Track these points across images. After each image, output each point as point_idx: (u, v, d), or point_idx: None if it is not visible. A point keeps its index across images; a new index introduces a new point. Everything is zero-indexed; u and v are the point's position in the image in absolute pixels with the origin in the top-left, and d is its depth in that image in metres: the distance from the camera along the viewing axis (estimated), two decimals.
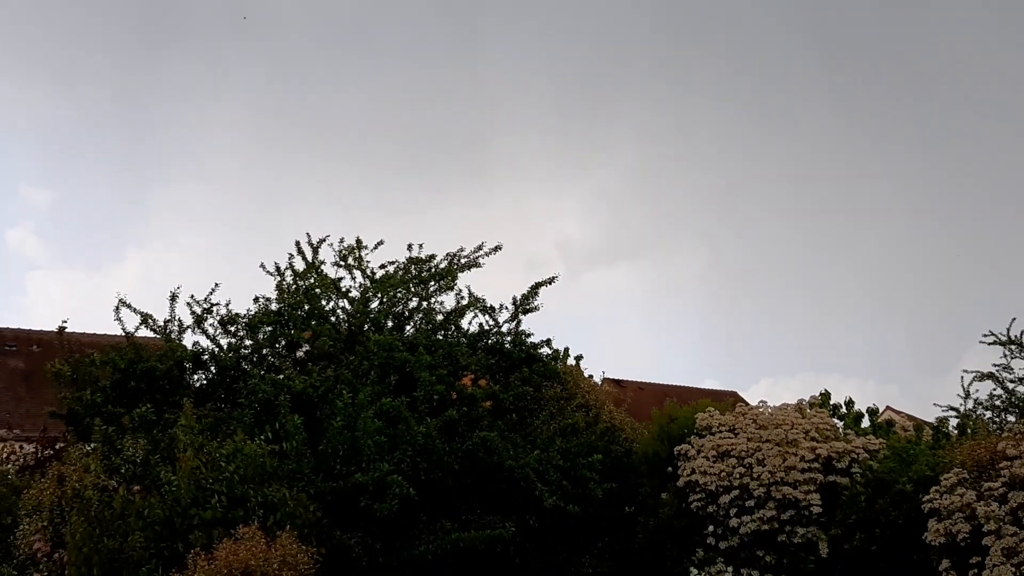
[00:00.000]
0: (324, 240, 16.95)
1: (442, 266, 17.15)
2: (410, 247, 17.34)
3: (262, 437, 13.17)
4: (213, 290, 15.87)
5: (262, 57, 48.80)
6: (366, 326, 16.37)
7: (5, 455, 14.97)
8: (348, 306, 16.85)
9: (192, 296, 15.80)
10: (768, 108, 52.27)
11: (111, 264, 53.89)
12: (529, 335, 17.12)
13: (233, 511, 11.81)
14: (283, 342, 16.38)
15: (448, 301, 17.04)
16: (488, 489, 15.10)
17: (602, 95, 50.87)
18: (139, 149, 50.90)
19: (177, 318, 15.84)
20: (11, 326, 25.71)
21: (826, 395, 17.94)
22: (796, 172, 54.63)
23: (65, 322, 15.89)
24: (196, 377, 15.96)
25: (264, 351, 16.09)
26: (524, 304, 17.08)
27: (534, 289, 17.02)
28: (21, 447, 15.39)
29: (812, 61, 51.20)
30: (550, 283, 17.06)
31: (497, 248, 17.09)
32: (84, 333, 22.15)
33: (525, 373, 16.58)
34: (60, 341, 15.68)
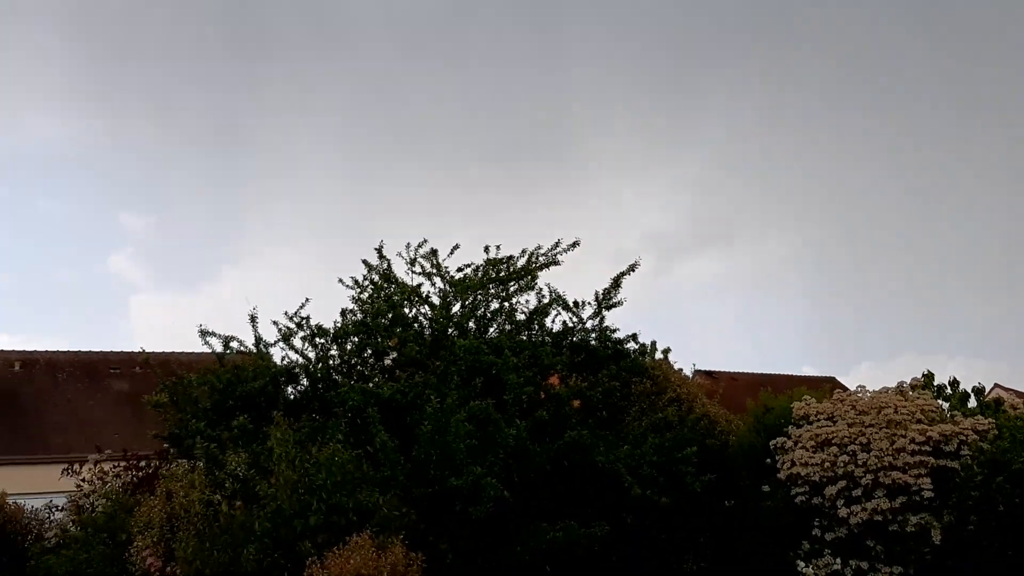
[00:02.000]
0: (415, 246, 17.05)
1: (519, 265, 17.11)
2: (487, 249, 17.37)
3: (352, 444, 13.36)
4: (303, 304, 16.20)
5: (346, 70, 49.59)
6: (450, 330, 16.47)
7: (115, 474, 15.54)
8: (430, 312, 16.97)
9: (285, 312, 16.13)
10: (856, 91, 50.68)
11: (207, 284, 55.66)
12: (614, 331, 16.93)
13: (332, 518, 12.00)
14: (370, 351, 16.60)
15: (530, 300, 17.02)
16: (580, 488, 14.99)
17: (686, 82, 50.04)
18: (231, 170, 52.37)
19: (262, 339, 16.18)
20: (116, 349, 26.82)
21: (929, 376, 17.16)
22: (888, 149, 52.78)
23: (144, 354, 16.38)
24: (289, 390, 16.28)
25: (353, 361, 16.33)
26: (607, 299, 16.90)
27: (615, 281, 16.81)
28: (132, 464, 15.93)
29: (911, 47, 49.28)
30: (631, 271, 16.80)
31: (575, 244, 16.96)
32: (184, 352, 22.98)
33: (612, 370, 16.40)
34: (149, 368, 16.20)
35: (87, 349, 26.85)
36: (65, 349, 26.80)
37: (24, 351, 26.41)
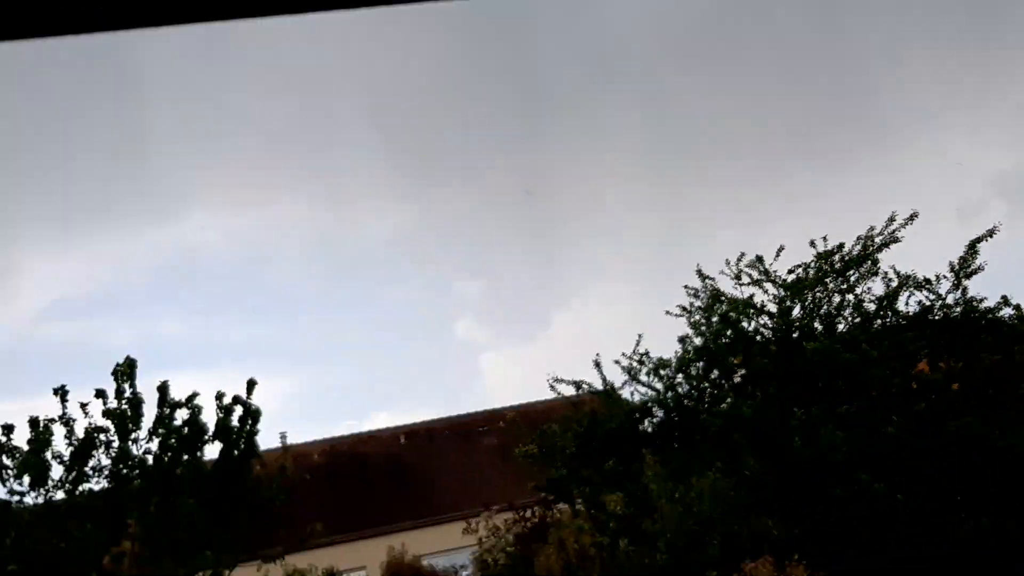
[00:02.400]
0: (735, 260, 16.74)
1: (855, 252, 16.07)
2: (813, 243, 16.52)
3: (724, 470, 13.26)
4: (638, 342, 16.48)
5: (628, 97, 50.45)
6: (795, 335, 15.85)
7: (507, 528, 16.65)
8: (769, 321, 16.46)
9: (623, 353, 16.52)
10: None
11: (541, 331, 58.62)
12: (981, 300, 15.26)
13: (726, 546, 11.96)
14: (717, 373, 16.45)
15: (875, 287, 15.89)
16: (978, 480, 13.57)
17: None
18: (542, 220, 55.06)
19: (609, 381, 16.65)
20: (478, 408, 29.11)
21: None
22: None
23: (509, 410, 17.32)
24: (645, 424, 16.57)
25: (703, 386, 16.27)
26: (964, 267, 15.32)
27: (971, 247, 15.20)
28: (519, 516, 16.98)
29: None
30: (989, 237, 15.11)
31: (912, 217, 15.60)
32: (539, 401, 24.30)
33: (987, 340, 14.78)
34: (514, 423, 17.21)
35: (456, 413, 29.40)
36: (437, 416, 29.55)
37: (405, 424, 29.51)
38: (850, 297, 16.00)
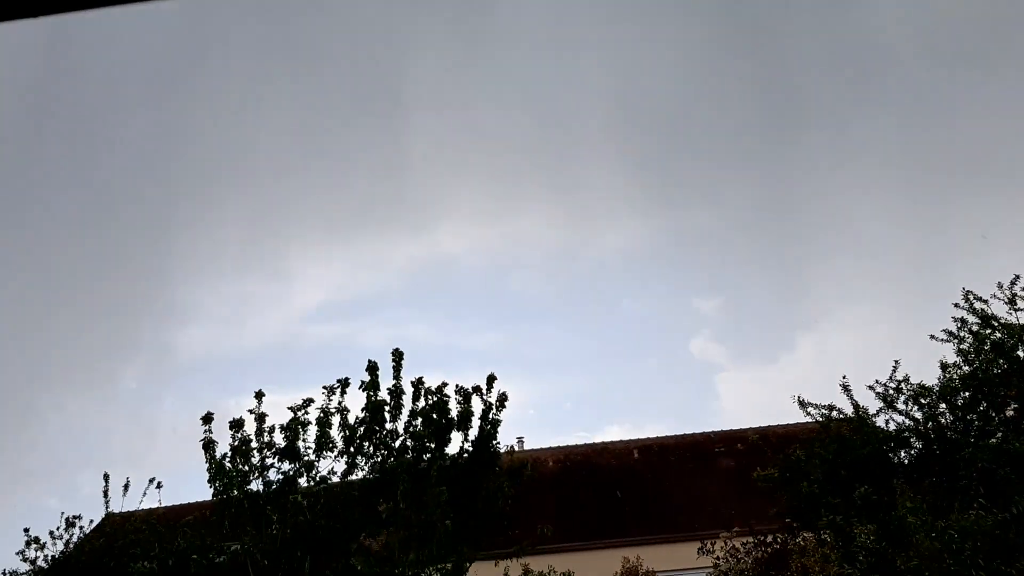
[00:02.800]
0: (1008, 284, 15.30)
1: None
2: None
3: (986, 507, 12.07)
4: (895, 368, 15.48)
5: (890, 103, 47.37)
6: None
7: (746, 551, 16.11)
8: None
9: (876, 381, 15.60)
10: None
11: (784, 352, 56.29)
12: None
13: None
14: (984, 404, 15.04)
15: None
16: None
17: None
18: (787, 236, 53.01)
19: (861, 406, 15.73)
20: (713, 428, 28.45)
21: None
22: None
23: (750, 432, 16.83)
24: (902, 455, 15.47)
25: (968, 417, 14.93)
26: None
27: None
28: (760, 540, 16.41)
29: None
30: None
31: None
32: (779, 425, 23.41)
33: None
34: (759, 444, 16.66)
35: (689, 431, 28.90)
36: (670, 433, 29.21)
37: (638, 439, 29.43)
38: None
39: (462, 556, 13.55)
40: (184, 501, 21.44)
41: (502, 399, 14.86)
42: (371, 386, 14.57)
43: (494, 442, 14.69)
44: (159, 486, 16.30)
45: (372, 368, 14.75)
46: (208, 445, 14.20)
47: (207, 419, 14.36)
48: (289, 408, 14.46)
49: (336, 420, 14.29)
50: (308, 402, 14.33)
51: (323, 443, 14.02)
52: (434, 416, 14.28)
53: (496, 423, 14.68)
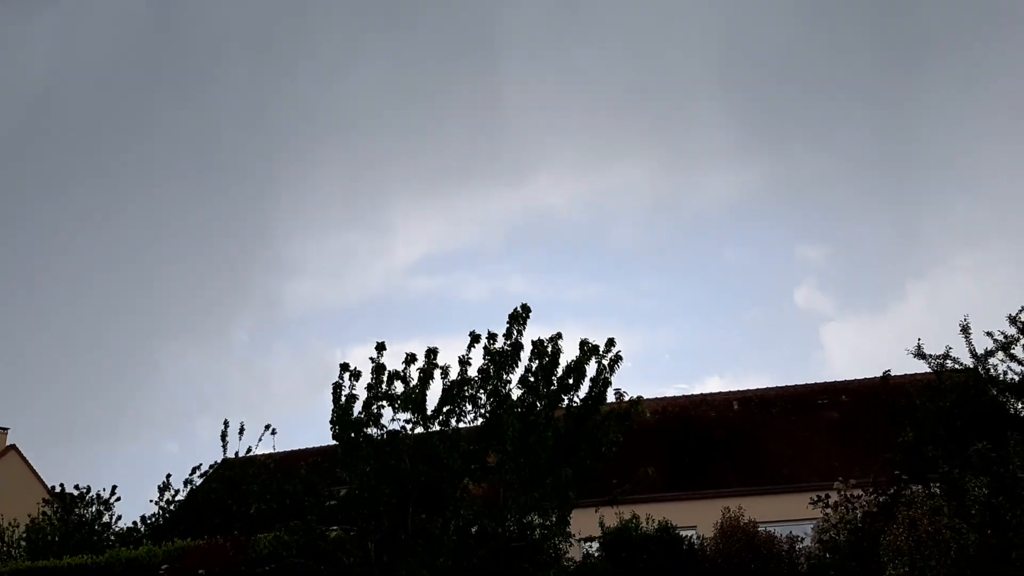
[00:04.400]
0: None
1: None
2: None
3: None
4: (1018, 313, 14.73)
5: (1008, 32, 44.39)
6: None
7: (859, 503, 15.76)
8: None
9: (991, 331, 14.93)
10: None
11: (894, 302, 54.42)
12: None
13: None
14: None
15: None
16: None
17: None
18: (903, 181, 50.87)
19: (978, 353, 15.12)
20: (818, 379, 27.83)
21: None
22: None
23: (888, 371, 16.46)
24: (1019, 407, 14.85)
25: None
26: None
27: None
28: (873, 491, 16.03)
29: None
30: None
31: None
32: (888, 376, 22.66)
33: None
34: (884, 389, 16.22)
35: (792, 383, 28.37)
36: (772, 385, 28.73)
37: (738, 391, 29.07)
38: None
39: (567, 502, 13.76)
40: (296, 447, 22.37)
41: (615, 360, 14.94)
42: (508, 335, 14.81)
43: (604, 400, 14.84)
44: (273, 432, 17.10)
45: (516, 316, 14.91)
46: (337, 389, 14.88)
47: (344, 367, 15.12)
48: (405, 360, 14.90)
49: (455, 371, 14.68)
50: (434, 352, 14.82)
51: (452, 396, 14.44)
52: (554, 372, 14.52)
53: (607, 383, 14.81)
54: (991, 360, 15.13)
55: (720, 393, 29.28)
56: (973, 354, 14.97)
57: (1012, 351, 14.95)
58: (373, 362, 15.09)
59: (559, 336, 14.90)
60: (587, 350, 14.80)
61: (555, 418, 14.40)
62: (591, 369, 14.78)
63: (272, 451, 17.59)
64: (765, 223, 53.61)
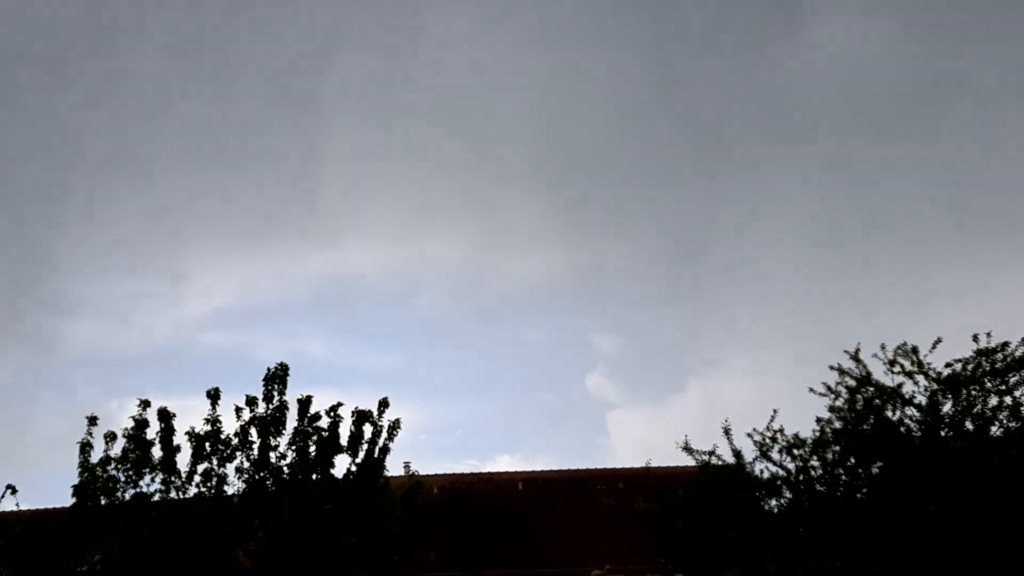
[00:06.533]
0: (892, 348, 16.14)
1: (1019, 353, 15.22)
2: (975, 338, 15.75)
3: (848, 558, 12.72)
4: (773, 417, 16.13)
5: (804, 158, 49.37)
6: (942, 432, 15.08)
7: None
8: (917, 414, 15.74)
9: (754, 429, 16.20)
10: None
11: (675, 395, 57.55)
12: None
13: None
14: (853, 460, 15.84)
15: None
16: None
17: None
18: (691, 279, 54.34)
19: (740, 452, 16.31)
20: (600, 465, 28.91)
21: None
22: None
23: (649, 462, 17.29)
24: (772, 504, 16.10)
25: (836, 472, 15.68)
26: None
27: None
28: None
29: None
30: None
31: None
32: (661, 467, 23.95)
33: None
34: (649, 479, 17.06)
35: (576, 467, 29.30)
36: (557, 468, 29.55)
37: (525, 471, 29.63)
38: (1007, 400, 15.13)
39: (346, 574, 13.40)
40: (55, 504, 20.34)
41: (394, 426, 14.83)
42: (267, 398, 14.33)
43: (382, 469, 14.62)
44: (13, 491, 15.47)
45: (272, 377, 14.49)
46: (85, 448, 13.73)
47: (92, 421, 13.99)
48: (160, 418, 14.11)
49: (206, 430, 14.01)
50: (171, 414, 14.06)
51: (205, 457, 13.70)
52: (324, 435, 14.14)
53: (386, 450, 14.63)
54: (749, 459, 16.35)
55: (507, 472, 29.73)
56: (734, 453, 16.15)
57: (769, 454, 16.24)
58: (135, 420, 14.12)
59: (339, 405, 14.66)
60: (362, 417, 14.60)
61: (333, 487, 14.06)
62: (367, 435, 14.58)
63: (16, 508, 15.96)
64: (565, 309, 55.87)
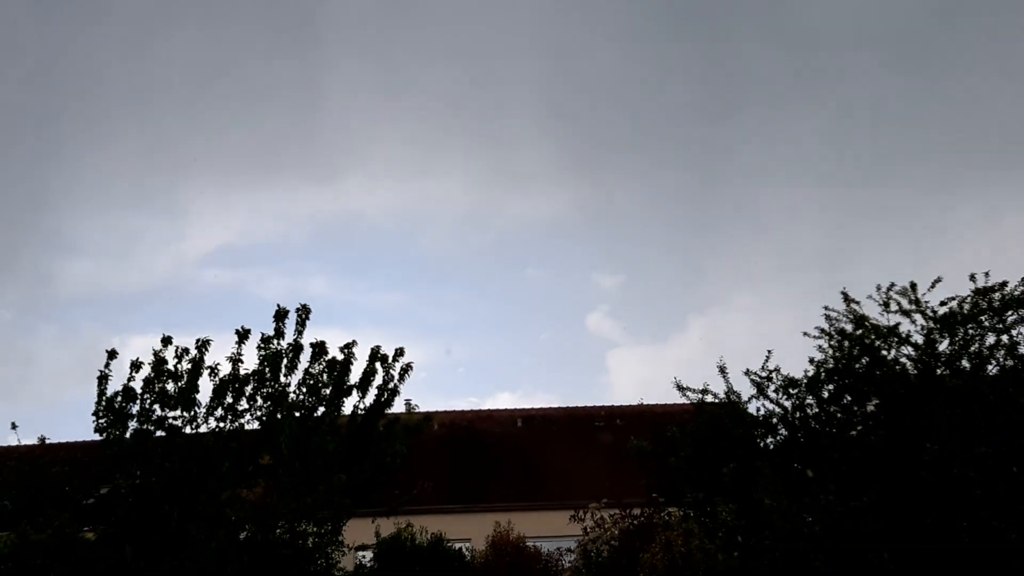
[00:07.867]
0: (886, 288, 16.15)
1: (1018, 292, 15.25)
2: (973, 277, 15.75)
3: (842, 495, 12.95)
4: (768, 357, 16.21)
5: (820, 94, 48.57)
6: (939, 371, 15.21)
7: (614, 522, 16.80)
8: (913, 352, 15.83)
9: (747, 370, 16.29)
10: None
11: (676, 333, 57.79)
12: None
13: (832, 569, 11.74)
14: (849, 398, 15.98)
15: None
16: None
17: None
18: (697, 215, 54.07)
19: (735, 391, 16.44)
20: (599, 403, 29.29)
21: None
22: None
23: (642, 400, 17.44)
24: (769, 441, 16.29)
25: (831, 409, 15.84)
26: None
27: None
28: (627, 513, 17.11)
29: None
30: None
31: None
32: (659, 404, 24.25)
33: None
34: (646, 416, 17.26)
35: (574, 405, 29.69)
36: (556, 405, 29.94)
37: (524, 408, 30.03)
38: (1004, 339, 15.20)
39: (341, 510, 13.63)
40: (60, 439, 20.60)
41: (405, 370, 14.97)
42: (276, 335, 14.41)
43: (388, 410, 14.80)
44: (14, 427, 15.67)
45: (280, 315, 14.55)
46: (103, 380, 13.96)
47: (112, 355, 14.27)
48: (176, 355, 14.19)
49: (227, 369, 14.13)
50: (206, 344, 14.18)
51: (224, 393, 13.87)
52: (335, 374, 14.28)
53: (395, 392, 14.79)
54: (747, 400, 16.49)
55: (506, 410, 30.14)
56: (729, 391, 16.27)
57: (766, 392, 16.37)
58: (156, 356, 14.29)
59: (353, 343, 14.78)
60: (376, 358, 14.76)
61: (339, 425, 14.25)
62: (379, 377, 14.76)
63: (17, 444, 16.18)
64: (568, 247, 55.71)
